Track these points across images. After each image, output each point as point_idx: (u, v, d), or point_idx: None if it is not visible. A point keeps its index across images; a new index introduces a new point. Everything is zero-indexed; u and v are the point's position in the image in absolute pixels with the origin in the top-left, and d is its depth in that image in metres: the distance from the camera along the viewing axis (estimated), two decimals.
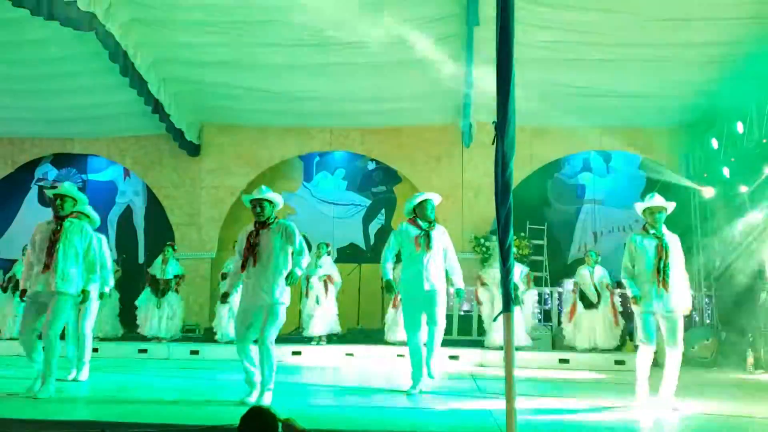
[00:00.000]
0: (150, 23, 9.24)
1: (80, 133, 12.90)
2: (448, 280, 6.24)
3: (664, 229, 5.67)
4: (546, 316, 10.94)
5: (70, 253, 5.64)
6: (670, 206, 5.71)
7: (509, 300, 3.51)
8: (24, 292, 5.71)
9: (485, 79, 9.57)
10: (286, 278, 5.26)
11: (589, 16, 8.44)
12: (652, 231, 5.66)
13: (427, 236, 5.98)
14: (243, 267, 5.24)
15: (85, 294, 5.88)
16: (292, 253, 5.35)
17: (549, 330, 10.17)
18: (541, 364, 8.87)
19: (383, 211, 13.09)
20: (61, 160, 13.66)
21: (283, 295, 5.28)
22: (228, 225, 12.54)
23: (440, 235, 6.12)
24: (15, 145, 13.23)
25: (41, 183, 13.66)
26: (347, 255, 12.70)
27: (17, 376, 6.05)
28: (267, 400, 5.03)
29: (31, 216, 13.25)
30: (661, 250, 5.53)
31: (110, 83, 10.31)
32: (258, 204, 5.34)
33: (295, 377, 7.28)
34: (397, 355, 8.94)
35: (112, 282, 7.11)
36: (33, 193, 13.68)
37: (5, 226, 13.48)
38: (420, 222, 6.08)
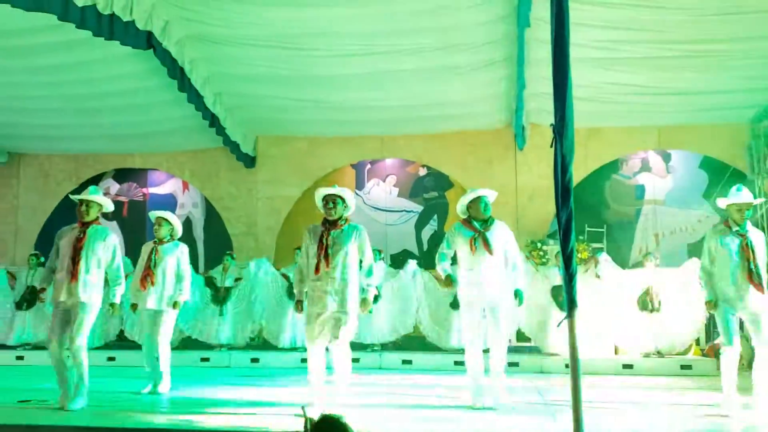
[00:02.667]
0: (204, 39, 9.48)
1: (140, 148, 13.31)
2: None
3: (748, 225, 5.27)
4: None
5: (92, 262, 5.48)
6: (759, 202, 5.39)
7: (573, 305, 3.44)
8: (42, 290, 5.60)
9: (538, 80, 9.54)
10: (360, 303, 5.15)
11: (643, 13, 8.25)
12: (735, 228, 5.23)
13: (484, 238, 5.47)
14: (317, 270, 5.04)
15: (113, 307, 5.70)
16: (360, 265, 5.17)
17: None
18: (604, 370, 8.66)
19: (435, 216, 13.04)
20: (122, 174, 14.09)
21: (354, 302, 5.13)
22: (284, 234, 12.74)
23: (499, 234, 5.57)
24: (79, 162, 13.73)
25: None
26: (401, 261, 12.64)
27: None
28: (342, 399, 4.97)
29: None
30: (747, 249, 5.13)
31: (168, 99, 10.62)
32: (331, 200, 5.16)
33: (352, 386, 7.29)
34: (455, 363, 8.88)
35: (188, 294, 6.76)
36: None
37: None
38: (474, 223, 5.55)
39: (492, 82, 10.43)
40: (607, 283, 9.26)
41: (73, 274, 5.37)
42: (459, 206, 5.72)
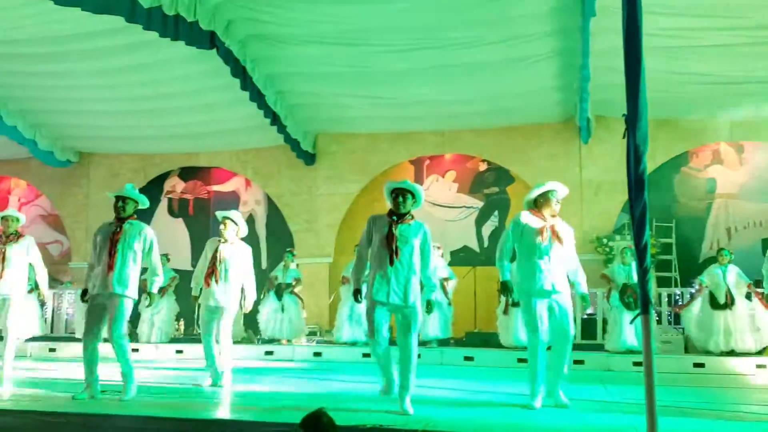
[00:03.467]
0: (265, 38, 9.58)
1: (205, 147, 13.59)
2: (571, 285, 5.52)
3: None
4: (677, 318, 10.32)
5: (128, 256, 5.61)
6: None
7: (647, 302, 3.30)
8: (85, 292, 5.73)
9: (603, 71, 9.27)
10: (426, 308, 5.10)
11: None
12: None
13: (553, 229, 5.29)
14: (391, 262, 4.97)
15: (151, 297, 5.85)
16: (421, 264, 5.08)
17: (681, 333, 9.58)
18: (674, 369, 8.36)
19: (496, 212, 12.86)
20: (187, 172, 14.43)
21: (417, 297, 5.04)
22: (343, 230, 12.81)
23: (566, 231, 5.41)
24: (146, 161, 14.12)
25: (170, 195, 14.50)
26: (461, 258, 12.57)
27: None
28: (408, 408, 4.87)
29: (163, 226, 14.06)
30: None
31: (231, 98, 10.78)
32: (402, 194, 5.07)
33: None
34: (518, 360, 8.75)
35: (254, 294, 6.74)
36: (163, 204, 14.55)
37: None
38: (544, 214, 5.38)
39: (554, 74, 10.20)
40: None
41: (110, 266, 5.52)
42: (527, 198, 5.52)
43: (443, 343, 9.77)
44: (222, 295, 6.48)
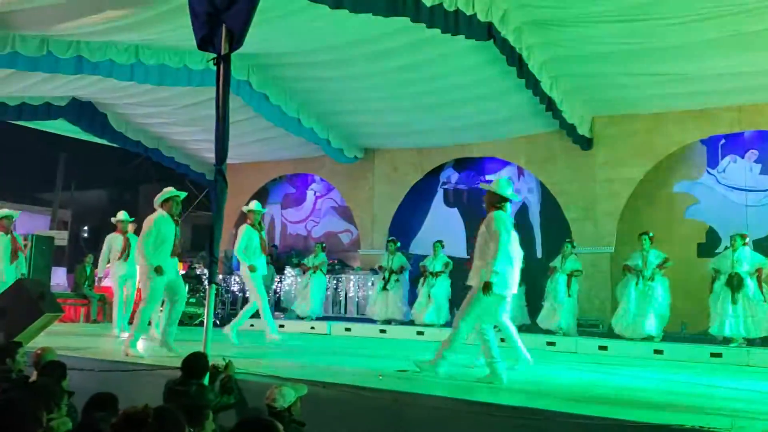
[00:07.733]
0: (541, 24, 9.39)
1: (477, 138, 13.77)
2: None
3: None
4: None
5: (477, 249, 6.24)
6: None
7: None
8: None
9: None
10: None
11: None
12: None
13: None
14: None
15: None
16: None
17: None
18: None
19: None
20: (461, 164, 14.83)
21: None
22: (625, 218, 12.07)
23: None
24: (423, 154, 14.79)
25: (446, 186, 15.07)
26: (765, 248, 11.11)
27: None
28: None
29: (439, 216, 14.76)
30: None
31: (505, 87, 10.82)
32: None
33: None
34: None
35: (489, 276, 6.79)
36: (439, 195, 15.18)
37: (418, 226, 15.22)
38: None
39: None
40: None
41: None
42: None
43: (750, 342, 8.74)
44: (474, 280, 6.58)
